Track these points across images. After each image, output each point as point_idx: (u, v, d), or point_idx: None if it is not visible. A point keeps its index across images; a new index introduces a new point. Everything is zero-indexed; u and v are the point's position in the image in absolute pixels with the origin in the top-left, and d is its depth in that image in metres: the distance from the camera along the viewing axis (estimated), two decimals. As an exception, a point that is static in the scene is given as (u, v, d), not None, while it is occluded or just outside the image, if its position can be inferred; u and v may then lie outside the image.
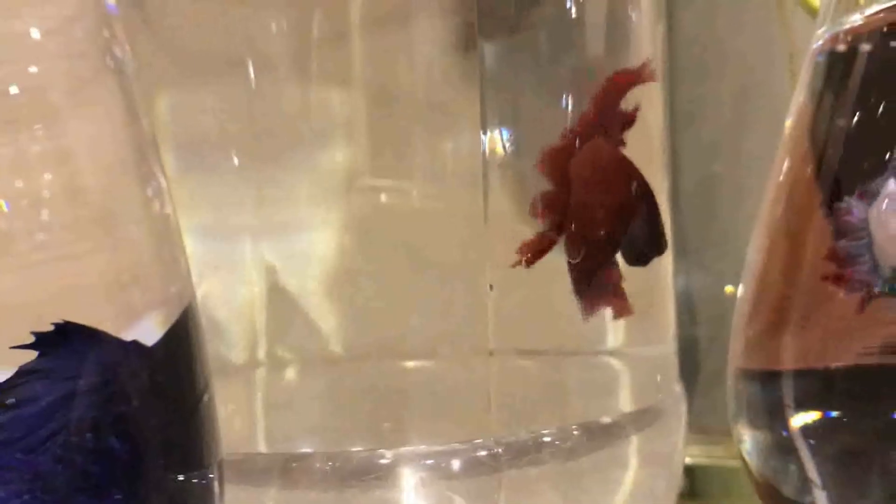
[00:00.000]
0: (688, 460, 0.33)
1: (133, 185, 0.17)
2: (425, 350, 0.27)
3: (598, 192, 0.25)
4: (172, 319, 0.17)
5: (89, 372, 0.16)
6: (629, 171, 0.26)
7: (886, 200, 0.23)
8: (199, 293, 0.22)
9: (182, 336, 0.17)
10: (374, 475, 0.25)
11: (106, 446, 0.16)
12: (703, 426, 0.32)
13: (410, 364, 0.27)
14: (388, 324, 0.27)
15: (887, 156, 0.26)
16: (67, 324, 0.15)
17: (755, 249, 0.28)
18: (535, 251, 0.25)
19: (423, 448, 0.25)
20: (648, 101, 0.27)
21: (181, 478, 0.17)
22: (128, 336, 0.16)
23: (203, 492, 0.17)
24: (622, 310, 0.26)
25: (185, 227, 0.18)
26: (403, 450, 0.25)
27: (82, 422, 0.15)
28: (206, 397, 0.17)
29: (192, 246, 0.21)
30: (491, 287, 0.24)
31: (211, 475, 0.17)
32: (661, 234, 0.27)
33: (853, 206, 0.24)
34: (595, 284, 0.25)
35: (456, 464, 0.25)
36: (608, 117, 0.25)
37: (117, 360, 0.16)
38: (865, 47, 0.27)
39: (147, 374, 0.16)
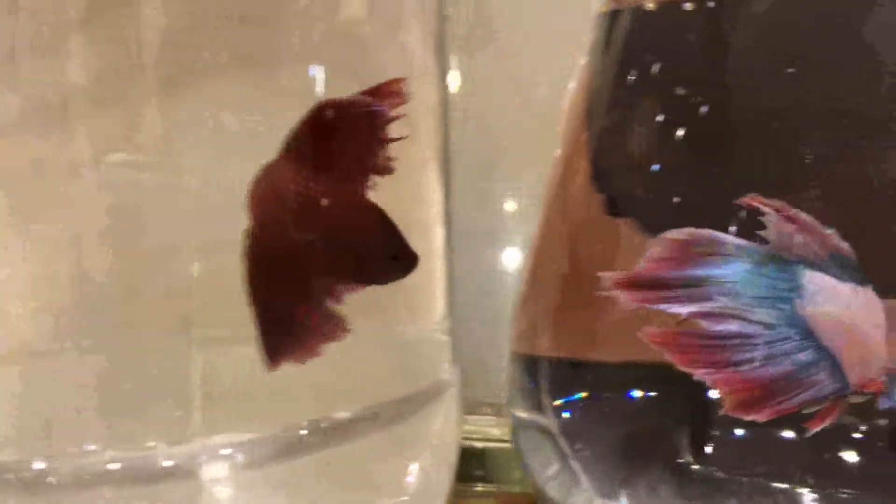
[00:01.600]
0: (483, 444, 0.32)
1: None
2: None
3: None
4: None
5: None
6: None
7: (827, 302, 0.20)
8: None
9: None
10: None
11: None
12: (501, 407, 0.31)
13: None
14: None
15: (659, 117, 0.24)
16: None
17: (537, 227, 0.27)
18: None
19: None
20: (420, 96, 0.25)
21: None
22: None
23: None
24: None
25: None
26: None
27: None
28: None
29: None
30: (196, 270, 0.22)
31: None
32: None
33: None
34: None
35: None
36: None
37: None
38: (642, 6, 0.26)
39: None
